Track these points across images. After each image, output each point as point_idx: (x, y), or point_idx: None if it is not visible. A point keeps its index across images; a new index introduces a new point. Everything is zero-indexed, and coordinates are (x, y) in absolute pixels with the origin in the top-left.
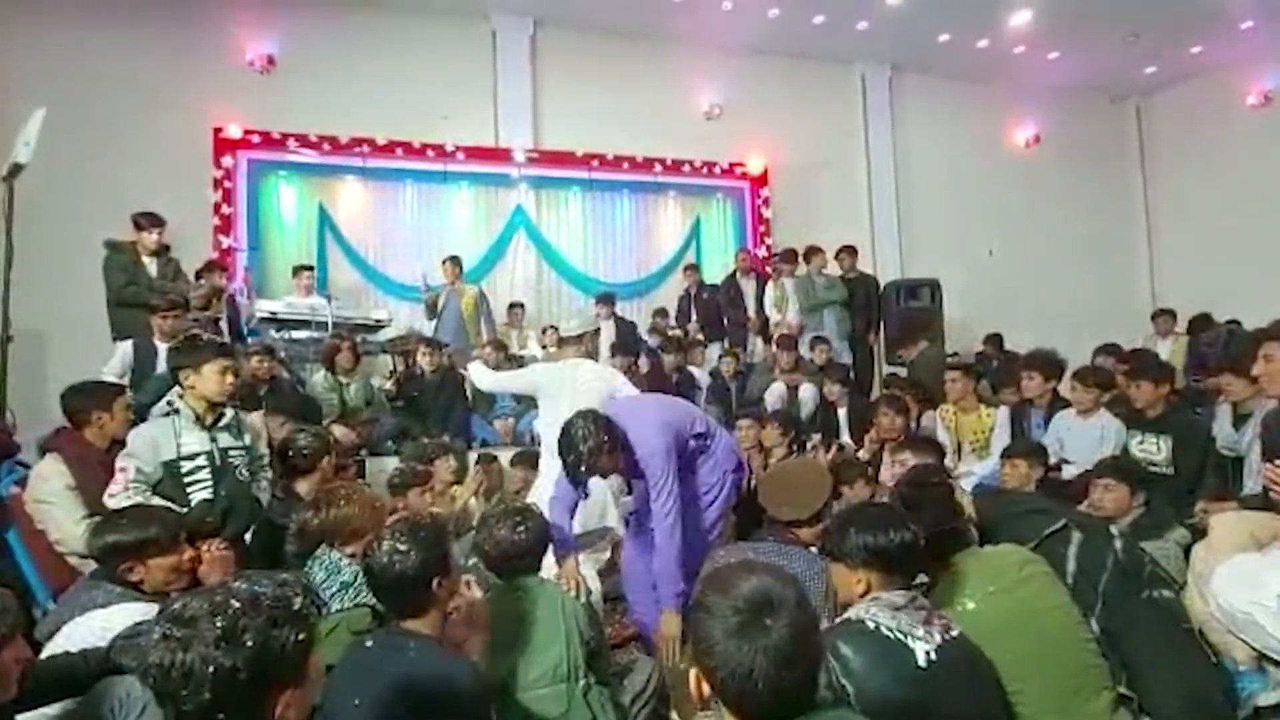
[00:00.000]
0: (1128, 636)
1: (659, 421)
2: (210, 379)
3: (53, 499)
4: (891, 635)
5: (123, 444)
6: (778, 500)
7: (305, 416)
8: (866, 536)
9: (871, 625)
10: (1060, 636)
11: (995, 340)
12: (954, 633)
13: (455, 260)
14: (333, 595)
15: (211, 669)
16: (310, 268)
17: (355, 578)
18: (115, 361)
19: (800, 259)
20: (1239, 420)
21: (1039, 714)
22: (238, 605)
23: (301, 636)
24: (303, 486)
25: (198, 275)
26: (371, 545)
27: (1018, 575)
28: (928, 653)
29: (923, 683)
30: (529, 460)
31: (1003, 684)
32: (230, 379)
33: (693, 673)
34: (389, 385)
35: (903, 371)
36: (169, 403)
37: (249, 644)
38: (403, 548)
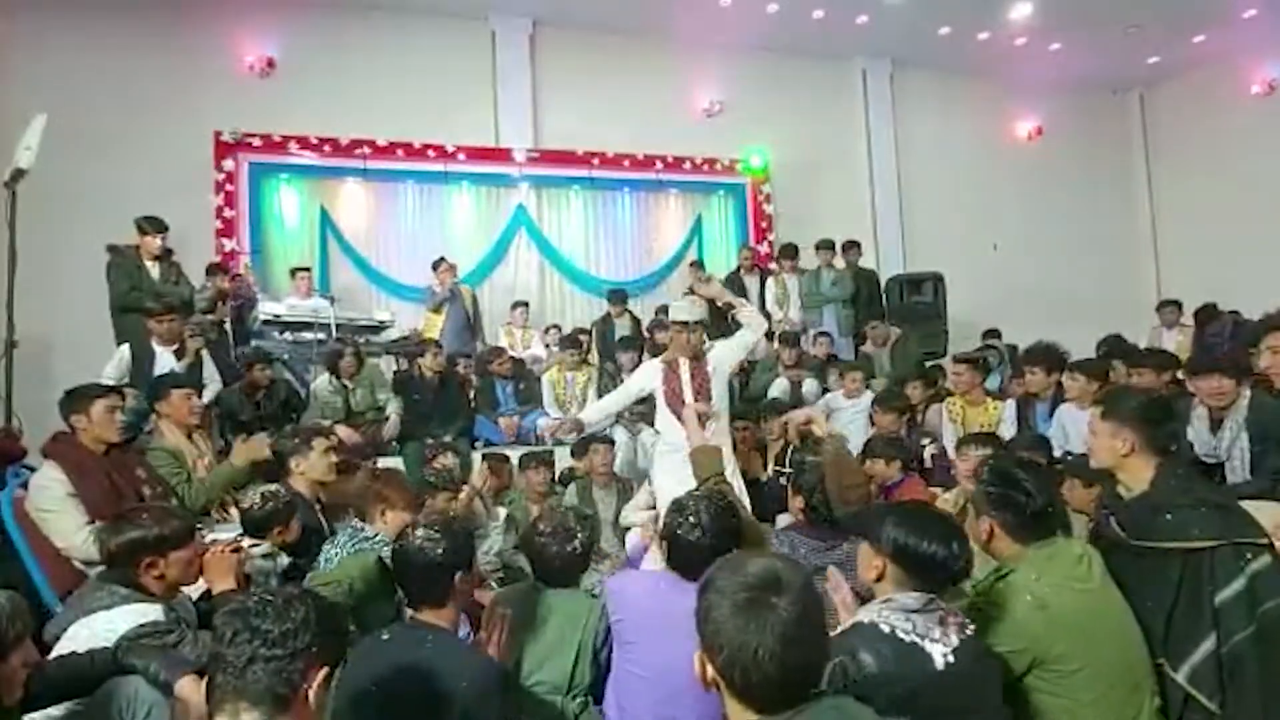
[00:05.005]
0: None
1: None
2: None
3: (54, 507)
4: (907, 638)
5: (120, 447)
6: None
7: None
8: (900, 533)
9: (886, 629)
10: (1121, 631)
11: (994, 334)
12: (970, 631)
13: (444, 261)
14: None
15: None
16: (308, 269)
17: (376, 536)
18: (112, 365)
19: (814, 251)
20: (1214, 426)
21: (1089, 706)
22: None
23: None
24: (300, 484)
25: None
26: (405, 533)
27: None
28: (945, 655)
29: (940, 685)
30: (541, 460)
31: (1014, 671)
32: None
33: (697, 656)
34: (393, 416)
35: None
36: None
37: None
38: (435, 537)
